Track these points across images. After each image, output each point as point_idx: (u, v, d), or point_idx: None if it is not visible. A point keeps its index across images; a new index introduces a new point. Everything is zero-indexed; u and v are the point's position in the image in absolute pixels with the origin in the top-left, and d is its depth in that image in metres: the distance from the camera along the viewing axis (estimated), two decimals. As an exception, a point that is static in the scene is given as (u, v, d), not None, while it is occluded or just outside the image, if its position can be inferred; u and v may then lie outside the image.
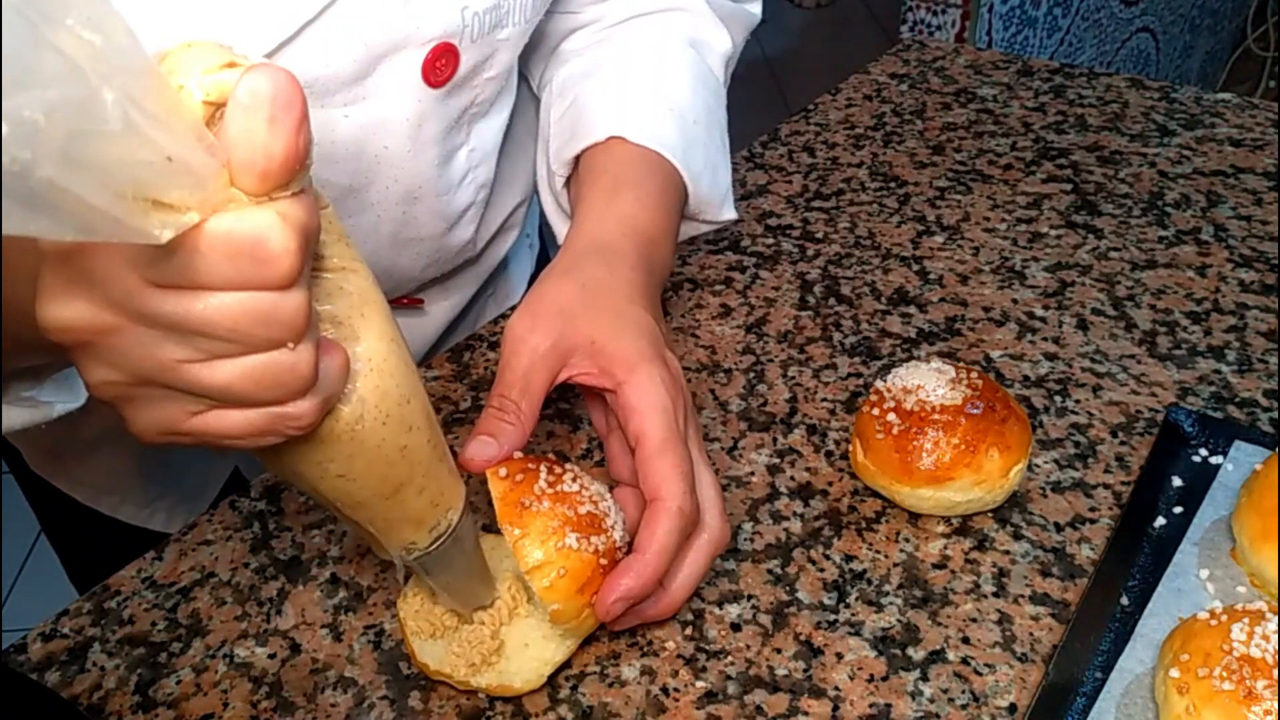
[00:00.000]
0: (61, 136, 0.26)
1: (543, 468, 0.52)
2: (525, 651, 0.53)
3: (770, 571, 0.59)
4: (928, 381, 0.61)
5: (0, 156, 0.25)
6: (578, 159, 0.68)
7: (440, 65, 0.62)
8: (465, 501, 0.48)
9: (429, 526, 0.46)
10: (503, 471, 0.52)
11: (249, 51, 0.32)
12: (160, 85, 0.30)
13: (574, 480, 0.52)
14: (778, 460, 0.66)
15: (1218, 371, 0.71)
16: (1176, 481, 0.61)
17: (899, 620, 0.56)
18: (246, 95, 0.30)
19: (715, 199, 0.70)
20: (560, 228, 0.72)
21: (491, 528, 0.57)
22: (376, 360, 0.40)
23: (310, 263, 0.35)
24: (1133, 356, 0.73)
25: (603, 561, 0.50)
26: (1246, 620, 0.48)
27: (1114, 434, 0.67)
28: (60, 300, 0.34)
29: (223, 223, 0.31)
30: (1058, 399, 0.70)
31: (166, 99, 0.30)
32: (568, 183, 0.70)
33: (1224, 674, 0.46)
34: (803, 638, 0.56)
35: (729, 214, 0.72)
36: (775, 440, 0.68)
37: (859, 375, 0.73)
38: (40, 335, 0.35)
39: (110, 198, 0.28)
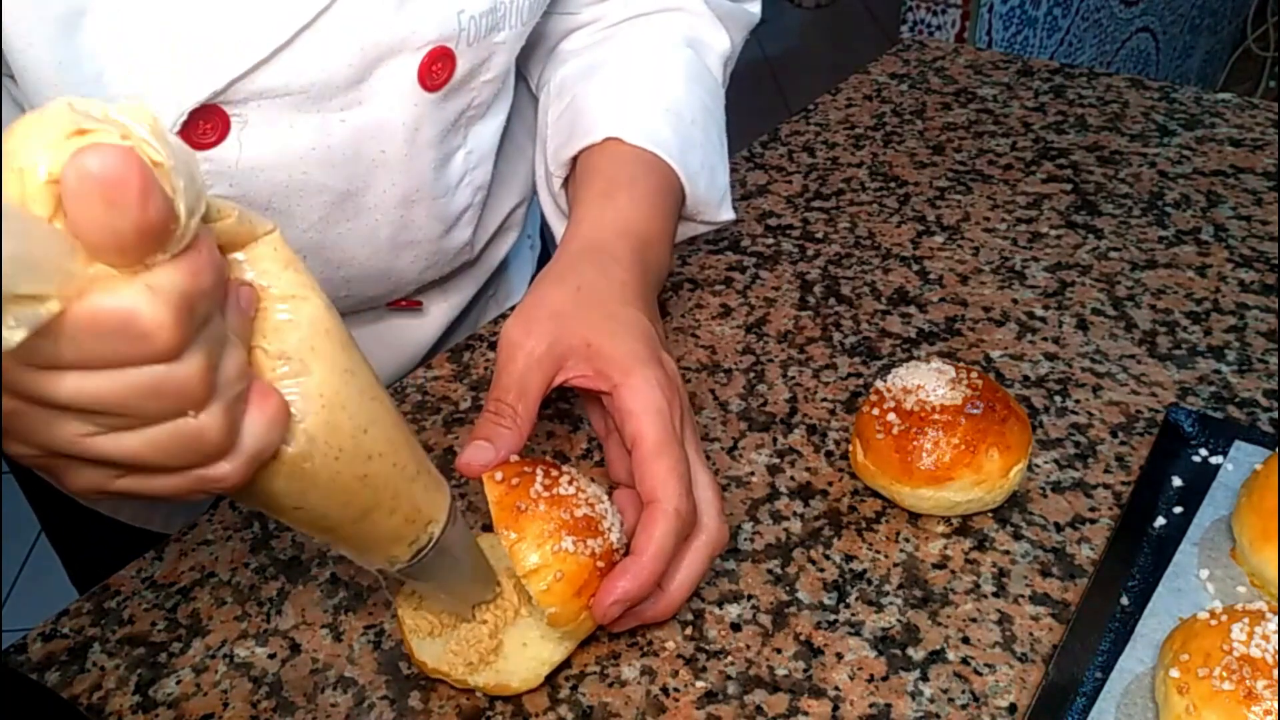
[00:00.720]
0: None
1: (539, 471, 0.52)
2: (523, 651, 0.53)
3: (770, 571, 0.59)
4: (928, 381, 0.61)
5: None
6: (575, 160, 0.68)
7: (436, 69, 0.62)
8: (450, 511, 0.47)
9: (408, 541, 0.45)
10: (498, 475, 0.51)
11: (112, 102, 0.30)
12: None
13: (570, 483, 0.52)
14: (778, 460, 0.66)
15: (1218, 371, 0.71)
16: (1176, 481, 0.61)
17: (899, 620, 0.56)
18: (73, 181, 0.28)
19: (713, 199, 0.70)
20: (559, 228, 0.72)
21: (491, 528, 0.57)
22: (328, 395, 0.38)
23: (209, 321, 0.33)
24: (1133, 356, 0.73)
25: (599, 564, 0.50)
26: (1246, 620, 0.48)
27: (1114, 434, 0.67)
28: None
29: (86, 305, 0.30)
30: (1058, 399, 0.70)
31: None
32: (566, 183, 0.70)
33: (1224, 674, 0.46)
34: (803, 638, 0.56)
35: (727, 214, 0.72)
36: (775, 440, 0.68)
37: (859, 375, 0.73)
38: None
39: None
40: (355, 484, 0.41)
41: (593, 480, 0.54)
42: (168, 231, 0.30)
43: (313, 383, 0.38)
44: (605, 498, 0.53)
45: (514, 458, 0.53)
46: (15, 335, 0.28)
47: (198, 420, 0.34)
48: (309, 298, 0.38)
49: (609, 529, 0.51)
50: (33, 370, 0.32)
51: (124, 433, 0.34)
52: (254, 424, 0.36)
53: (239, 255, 0.37)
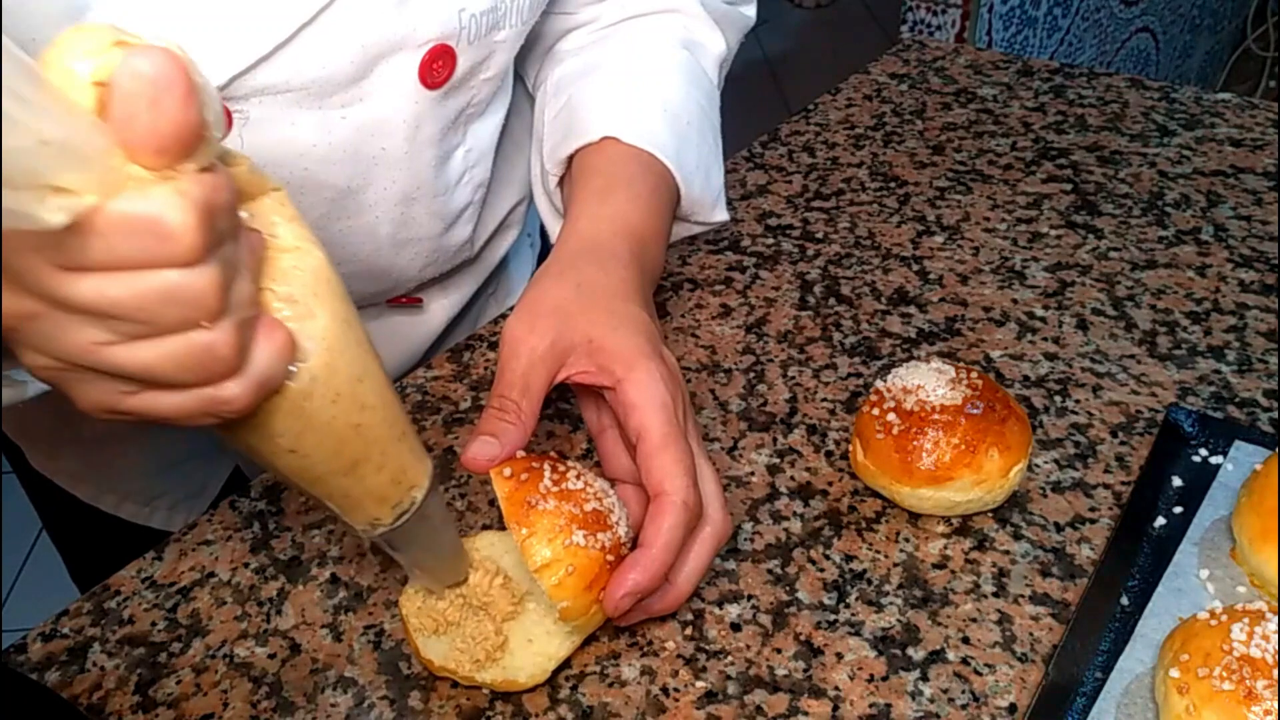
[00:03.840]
0: None
1: (547, 466, 0.52)
2: (529, 647, 0.53)
3: (770, 571, 0.59)
4: (928, 381, 0.61)
5: None
6: (571, 159, 0.68)
7: (437, 67, 0.62)
8: (432, 480, 0.48)
9: (392, 503, 0.47)
10: (507, 471, 0.52)
11: (148, 33, 0.32)
12: (30, 69, 0.29)
13: (578, 478, 0.52)
14: (778, 460, 0.66)
15: (1218, 371, 0.71)
16: (1176, 481, 0.61)
17: (899, 620, 0.56)
18: (125, 79, 0.30)
19: (707, 200, 0.70)
20: (553, 226, 0.72)
21: (493, 526, 0.57)
22: (330, 340, 0.40)
23: (224, 241, 0.35)
24: (1133, 356, 0.73)
25: (609, 558, 0.51)
26: (1246, 620, 0.48)
27: (1114, 434, 0.67)
28: None
29: (119, 202, 0.31)
30: (1058, 399, 0.70)
31: (40, 83, 0.30)
32: (561, 182, 0.70)
33: (1224, 674, 0.46)
34: (803, 638, 0.56)
35: (721, 215, 0.72)
36: (775, 440, 0.68)
37: (859, 375, 0.73)
38: None
39: None
40: (349, 431, 0.42)
41: (598, 476, 0.54)
42: (200, 138, 0.32)
43: (317, 326, 0.39)
44: (611, 491, 0.53)
45: (520, 454, 0.53)
46: (56, 217, 0.30)
47: (210, 333, 0.35)
48: (312, 250, 0.40)
49: (617, 523, 0.52)
50: (57, 271, 0.33)
51: (139, 342, 0.35)
52: (263, 350, 0.38)
53: (244, 212, 0.38)
